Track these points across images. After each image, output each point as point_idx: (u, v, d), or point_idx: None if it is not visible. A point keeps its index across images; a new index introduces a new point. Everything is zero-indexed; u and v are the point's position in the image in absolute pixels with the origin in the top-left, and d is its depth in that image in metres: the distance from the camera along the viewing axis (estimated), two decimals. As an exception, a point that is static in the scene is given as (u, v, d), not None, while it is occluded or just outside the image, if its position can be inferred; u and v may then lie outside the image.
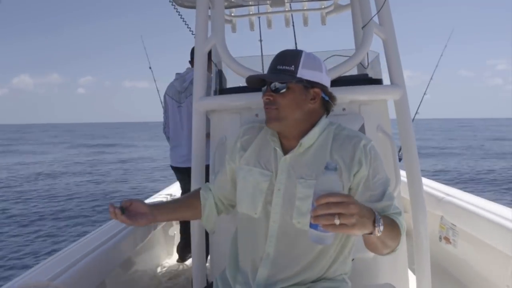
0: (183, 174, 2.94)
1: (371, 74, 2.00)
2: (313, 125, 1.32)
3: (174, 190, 3.45)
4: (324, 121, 1.35)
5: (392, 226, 1.13)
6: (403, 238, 1.43)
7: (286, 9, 3.02)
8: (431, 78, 4.13)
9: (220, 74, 2.01)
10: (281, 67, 1.29)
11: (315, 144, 1.31)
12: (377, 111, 1.87)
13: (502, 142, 30.08)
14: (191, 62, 3.14)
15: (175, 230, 3.28)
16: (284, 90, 1.27)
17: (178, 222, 3.26)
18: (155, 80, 3.25)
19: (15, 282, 1.51)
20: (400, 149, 1.96)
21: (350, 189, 1.26)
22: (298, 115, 1.29)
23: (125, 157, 22.62)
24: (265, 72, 1.40)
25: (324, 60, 1.97)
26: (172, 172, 3.15)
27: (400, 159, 2.07)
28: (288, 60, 1.29)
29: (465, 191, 2.87)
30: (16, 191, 11.81)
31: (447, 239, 2.71)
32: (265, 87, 1.32)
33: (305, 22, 3.12)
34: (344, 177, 1.24)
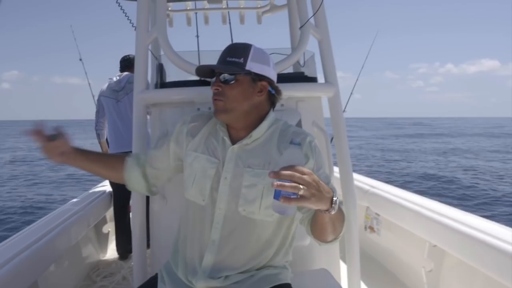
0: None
1: (307, 72, 2.10)
2: (260, 118, 1.37)
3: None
4: (272, 115, 1.40)
5: (340, 211, 1.19)
6: None
7: (223, 7, 3.06)
8: (357, 79, 4.42)
9: (160, 68, 2.00)
10: (230, 59, 1.32)
11: (263, 137, 1.36)
12: (313, 108, 1.97)
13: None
14: (121, 70, 3.44)
15: (109, 227, 3.18)
16: (233, 82, 1.30)
17: (112, 219, 3.17)
18: (86, 73, 3.13)
19: None
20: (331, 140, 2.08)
21: None
22: (245, 107, 1.33)
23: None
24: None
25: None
26: None
27: None
28: (238, 52, 1.32)
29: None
30: None
31: (371, 228, 2.93)
32: (215, 78, 1.35)
33: (242, 20, 3.18)
34: None
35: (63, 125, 1.39)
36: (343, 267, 2.03)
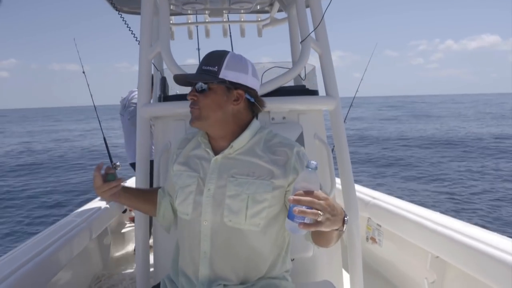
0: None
1: (308, 85, 2.13)
2: (241, 127, 1.36)
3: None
4: (255, 124, 1.39)
5: None
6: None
7: (224, 20, 3.10)
8: (356, 91, 4.43)
9: (163, 81, 2.03)
10: (205, 68, 1.32)
11: (246, 146, 1.35)
12: (314, 120, 1.99)
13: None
14: None
15: (110, 239, 3.18)
16: (206, 91, 1.31)
17: (114, 231, 3.17)
18: (88, 85, 3.14)
19: None
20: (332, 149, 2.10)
21: (288, 189, 1.31)
22: (219, 116, 1.32)
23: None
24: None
25: (266, 71, 2.08)
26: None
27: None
28: (212, 61, 1.32)
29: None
30: None
31: (373, 239, 2.92)
32: (192, 87, 1.35)
33: (242, 33, 3.22)
34: (278, 181, 1.29)
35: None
36: (345, 279, 2.03)
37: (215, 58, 1.32)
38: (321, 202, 1.01)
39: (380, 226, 2.83)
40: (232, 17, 3.15)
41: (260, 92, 1.81)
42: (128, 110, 3.48)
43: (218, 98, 1.31)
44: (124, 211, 3.56)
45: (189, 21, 3.11)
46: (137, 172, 1.84)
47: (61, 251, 2.10)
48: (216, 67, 1.30)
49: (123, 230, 3.59)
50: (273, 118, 1.92)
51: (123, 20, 1.99)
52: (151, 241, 2.29)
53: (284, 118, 1.91)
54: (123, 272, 3.02)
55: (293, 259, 1.81)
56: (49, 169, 14.47)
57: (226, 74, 1.30)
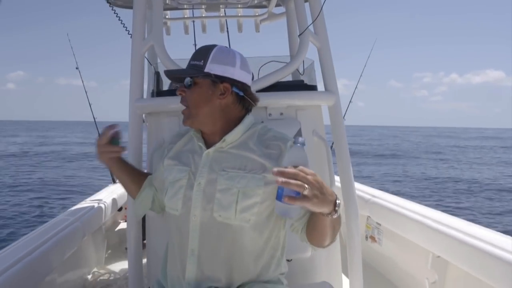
0: None
1: (307, 80, 2.07)
2: (233, 122, 1.33)
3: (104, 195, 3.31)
4: (249, 119, 1.36)
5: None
6: (338, 238, 1.50)
7: (221, 15, 3.05)
8: (355, 87, 4.40)
9: (157, 76, 1.97)
10: (192, 62, 1.30)
11: (239, 141, 1.32)
12: (313, 116, 1.94)
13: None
14: None
15: (105, 237, 3.13)
16: (192, 85, 1.29)
17: (108, 229, 3.13)
18: (82, 80, 3.09)
19: None
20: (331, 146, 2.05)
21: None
22: (206, 111, 1.29)
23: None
24: None
25: (262, 66, 2.02)
26: None
27: None
28: (199, 55, 1.30)
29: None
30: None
31: (373, 238, 2.88)
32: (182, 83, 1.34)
33: (239, 29, 3.17)
34: (270, 176, 1.23)
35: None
36: (345, 279, 1.98)
37: (202, 53, 1.30)
38: (308, 176, 0.98)
39: (380, 224, 2.79)
40: (229, 11, 3.10)
41: (257, 87, 1.76)
42: None
43: (203, 92, 1.29)
44: (119, 209, 3.51)
45: (185, 16, 3.05)
46: None
47: (54, 250, 2.05)
48: (202, 61, 1.28)
49: (118, 229, 3.54)
50: (270, 114, 1.87)
51: (114, 13, 1.93)
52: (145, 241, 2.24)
53: (281, 114, 1.86)
54: (117, 271, 2.97)
55: (291, 260, 1.76)
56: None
57: (211, 67, 1.28)
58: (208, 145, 1.34)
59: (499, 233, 1.96)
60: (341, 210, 1.17)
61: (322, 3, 1.88)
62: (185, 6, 2.73)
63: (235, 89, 1.30)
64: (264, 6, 2.86)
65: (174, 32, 3.07)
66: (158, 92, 1.90)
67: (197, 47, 3.01)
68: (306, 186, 0.97)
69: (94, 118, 3.11)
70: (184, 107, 1.33)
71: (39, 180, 13.50)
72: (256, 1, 2.72)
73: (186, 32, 3.11)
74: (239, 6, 2.81)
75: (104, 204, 3.08)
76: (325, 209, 1.03)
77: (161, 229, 1.78)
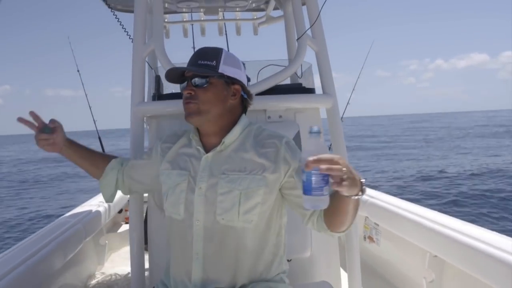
0: None
1: (305, 83, 2.10)
2: (231, 122, 1.35)
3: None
4: (244, 119, 1.38)
5: None
6: (336, 238, 1.52)
7: (220, 18, 3.07)
8: (353, 89, 4.41)
9: (157, 79, 2.00)
10: (202, 62, 1.29)
11: (236, 142, 1.34)
12: (311, 119, 1.96)
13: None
14: None
15: (106, 239, 3.14)
16: (206, 85, 1.28)
17: (109, 230, 3.14)
18: (82, 83, 3.10)
19: None
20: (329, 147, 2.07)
21: (285, 183, 1.28)
22: (219, 110, 1.30)
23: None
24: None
25: (261, 69, 2.05)
26: None
27: None
28: (209, 55, 1.31)
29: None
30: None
31: (371, 238, 2.90)
32: (186, 82, 1.32)
33: (238, 32, 3.19)
34: (270, 175, 1.27)
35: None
36: (344, 279, 2.01)
37: (211, 53, 1.31)
38: (339, 161, 0.96)
39: (378, 225, 2.81)
40: (228, 15, 3.12)
41: (256, 90, 1.79)
42: None
43: (219, 92, 1.30)
44: (120, 211, 3.53)
45: (184, 19, 3.07)
46: None
47: (56, 252, 2.07)
48: (214, 62, 1.29)
49: (119, 231, 3.56)
50: (269, 117, 1.89)
51: (115, 18, 1.96)
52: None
53: (280, 116, 1.88)
54: (119, 272, 2.99)
55: (290, 260, 1.78)
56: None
57: (224, 69, 1.30)
58: (206, 148, 1.35)
59: (495, 232, 1.98)
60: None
61: (320, 7, 1.92)
62: (184, 10, 2.76)
63: (242, 92, 1.35)
64: (262, 10, 2.89)
65: (172, 35, 3.09)
66: (159, 96, 1.93)
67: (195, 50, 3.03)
68: (344, 169, 0.95)
69: (94, 121, 3.13)
70: (187, 104, 1.31)
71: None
72: (254, 5, 2.76)
73: (185, 35, 3.13)
74: (238, 9, 2.84)
75: (105, 206, 3.09)
76: (354, 190, 1.01)
77: (163, 231, 1.80)
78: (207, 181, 1.29)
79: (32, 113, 1.41)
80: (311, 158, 0.94)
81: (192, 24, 3.12)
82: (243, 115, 1.39)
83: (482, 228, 2.04)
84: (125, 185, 1.53)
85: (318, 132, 1.00)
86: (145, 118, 1.88)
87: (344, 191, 0.98)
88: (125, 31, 1.87)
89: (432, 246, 2.16)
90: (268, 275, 1.34)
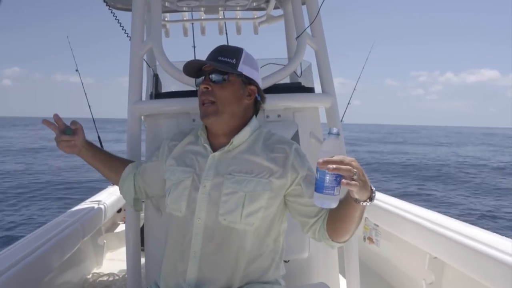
0: None
1: (304, 82, 2.08)
2: (243, 124, 1.34)
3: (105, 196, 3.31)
4: (255, 121, 1.37)
5: None
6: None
7: (220, 17, 3.06)
8: (353, 89, 4.39)
9: (156, 78, 1.98)
10: (222, 59, 1.29)
11: (245, 144, 1.33)
12: (310, 118, 1.95)
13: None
14: None
15: (104, 239, 3.13)
16: (224, 81, 1.28)
17: (107, 230, 3.13)
18: (82, 83, 3.09)
19: None
20: None
21: (291, 190, 1.28)
22: (235, 109, 1.30)
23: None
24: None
25: (260, 68, 2.04)
26: None
27: None
28: (229, 53, 1.30)
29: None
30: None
31: (370, 239, 2.89)
32: (203, 77, 1.31)
33: (238, 31, 3.18)
34: (276, 180, 1.26)
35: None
36: (342, 280, 1.99)
37: (232, 51, 1.31)
38: (352, 162, 1.00)
39: (377, 226, 2.79)
40: (228, 14, 3.11)
41: None
42: None
43: (236, 91, 1.29)
44: (119, 211, 3.51)
45: (184, 18, 3.06)
46: None
47: (54, 251, 2.06)
48: (234, 60, 1.29)
49: (117, 230, 3.55)
50: (268, 116, 1.88)
51: (113, 16, 1.94)
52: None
53: (279, 116, 1.87)
54: (116, 272, 2.98)
55: (288, 261, 1.77)
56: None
57: (243, 68, 1.30)
58: (213, 147, 1.34)
59: (495, 234, 1.97)
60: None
61: (319, 6, 1.90)
62: (184, 9, 2.75)
63: (256, 93, 1.35)
64: (263, 9, 2.87)
65: (172, 34, 3.08)
66: (156, 94, 1.91)
67: (196, 50, 3.01)
68: (355, 170, 0.99)
69: (93, 118, 3.12)
70: (204, 102, 1.30)
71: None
72: (254, 4, 2.74)
73: (185, 34, 3.12)
74: (238, 8, 2.82)
75: (104, 206, 3.08)
76: (364, 193, 1.04)
77: (159, 232, 1.78)
78: (212, 180, 1.28)
79: (55, 116, 1.41)
80: (323, 159, 0.99)
81: (192, 23, 3.11)
82: (254, 117, 1.38)
83: (482, 230, 2.03)
84: (141, 189, 1.53)
85: (337, 134, 1.05)
86: (142, 117, 1.86)
87: (355, 191, 1.01)
88: (123, 29, 1.86)
89: (432, 247, 2.15)
90: (264, 278, 1.33)
